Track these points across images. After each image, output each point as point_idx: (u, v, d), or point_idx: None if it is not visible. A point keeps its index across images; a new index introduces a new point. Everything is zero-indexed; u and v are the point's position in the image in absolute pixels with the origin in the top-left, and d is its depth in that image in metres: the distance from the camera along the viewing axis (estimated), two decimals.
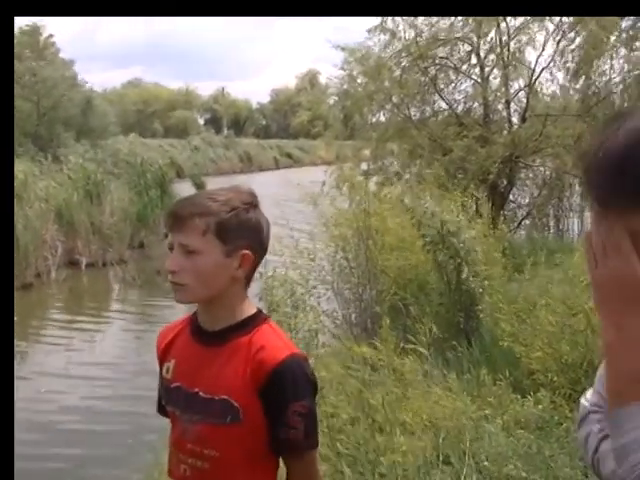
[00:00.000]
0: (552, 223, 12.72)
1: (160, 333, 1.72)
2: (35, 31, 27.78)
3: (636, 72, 10.42)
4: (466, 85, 12.20)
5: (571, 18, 10.64)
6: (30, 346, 9.59)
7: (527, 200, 12.69)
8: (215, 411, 1.51)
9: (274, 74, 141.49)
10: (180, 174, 29.93)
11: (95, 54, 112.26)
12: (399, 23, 11.53)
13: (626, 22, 10.70)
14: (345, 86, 12.86)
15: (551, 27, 11.23)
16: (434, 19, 11.39)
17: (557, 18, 10.89)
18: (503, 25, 11.28)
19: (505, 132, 11.59)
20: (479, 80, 11.84)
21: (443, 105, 12.33)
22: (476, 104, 12.25)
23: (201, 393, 1.53)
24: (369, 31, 11.73)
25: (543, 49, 11.30)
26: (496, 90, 11.95)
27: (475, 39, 11.66)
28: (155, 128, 56.46)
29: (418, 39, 11.36)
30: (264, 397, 1.48)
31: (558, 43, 11.18)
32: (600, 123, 10.14)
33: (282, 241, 6.09)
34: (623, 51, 10.90)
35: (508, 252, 7.41)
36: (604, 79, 11.18)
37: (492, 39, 11.65)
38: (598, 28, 10.10)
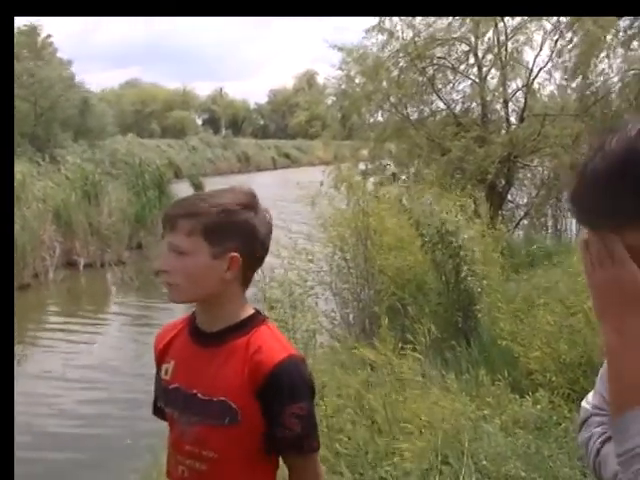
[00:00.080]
0: (550, 223, 12.72)
1: (158, 334, 1.72)
2: (33, 31, 27.78)
3: (634, 71, 10.42)
4: (464, 85, 12.22)
5: (568, 18, 10.64)
6: (27, 348, 9.57)
7: (525, 200, 12.69)
8: (213, 412, 1.50)
9: (272, 74, 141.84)
10: (178, 174, 29.91)
11: (93, 54, 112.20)
12: (397, 23, 11.53)
13: (624, 22, 10.70)
14: (343, 86, 12.86)
15: (548, 27, 11.26)
16: (432, 19, 11.40)
17: (554, 18, 10.90)
18: (501, 25, 11.28)
19: (503, 132, 11.60)
20: (477, 80, 11.85)
21: (441, 105, 12.34)
22: (474, 104, 12.26)
23: (199, 394, 1.52)
24: (367, 31, 11.74)
25: (541, 49, 11.32)
26: (494, 90, 11.95)
27: (473, 39, 11.66)
28: (153, 128, 56.41)
29: (416, 39, 11.36)
30: (261, 398, 1.48)
31: (556, 43, 11.19)
32: (597, 124, 10.18)
33: (280, 242, 6.08)
34: (621, 50, 10.90)
35: (506, 252, 7.41)
36: (602, 79, 11.19)
37: (490, 39, 11.67)
38: (595, 27, 10.10)
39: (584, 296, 4.62)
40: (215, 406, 1.50)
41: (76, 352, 9.36)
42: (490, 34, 11.57)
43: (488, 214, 7.96)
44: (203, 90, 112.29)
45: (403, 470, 3.35)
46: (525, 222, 12.45)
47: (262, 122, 76.00)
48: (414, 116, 12.14)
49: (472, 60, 11.86)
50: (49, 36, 29.58)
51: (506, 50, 11.46)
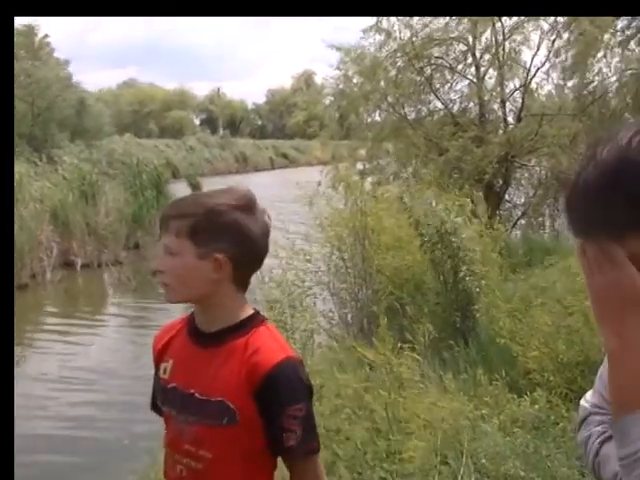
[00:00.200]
0: (548, 223, 12.73)
1: (157, 333, 1.72)
2: (30, 31, 27.74)
3: (631, 71, 10.43)
4: (462, 85, 12.23)
5: (565, 18, 10.65)
6: (24, 349, 9.54)
7: (523, 200, 12.71)
8: (211, 412, 1.50)
9: (270, 74, 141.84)
10: (176, 174, 29.89)
11: (90, 54, 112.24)
12: (394, 23, 11.54)
13: (621, 22, 10.71)
14: (341, 86, 12.86)
15: (546, 27, 11.27)
16: (429, 19, 11.41)
17: (552, 18, 10.91)
18: (498, 25, 11.29)
19: (501, 132, 11.61)
20: (474, 80, 11.86)
21: (439, 105, 12.34)
22: (471, 104, 12.27)
23: (197, 394, 1.52)
24: (364, 31, 11.75)
25: (538, 49, 11.33)
26: (491, 90, 11.96)
27: (470, 39, 11.67)
28: (150, 128, 56.39)
29: (413, 39, 11.37)
30: (259, 400, 1.48)
31: (553, 43, 11.20)
32: (594, 124, 10.19)
33: (278, 242, 6.07)
34: (618, 50, 10.91)
35: (504, 252, 7.41)
36: (599, 78, 11.20)
37: (487, 39, 11.68)
38: (592, 27, 10.11)
39: (582, 296, 4.62)
40: (213, 406, 1.49)
41: (73, 353, 9.34)
42: (488, 34, 11.59)
43: (486, 214, 7.97)
44: (201, 90, 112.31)
45: (402, 470, 3.35)
46: (523, 222, 12.46)
47: (260, 122, 76.04)
48: (412, 116, 12.15)
49: (470, 60, 11.87)
50: (46, 36, 29.56)
51: (504, 50, 11.47)
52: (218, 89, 74.01)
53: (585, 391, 1.15)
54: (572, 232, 0.91)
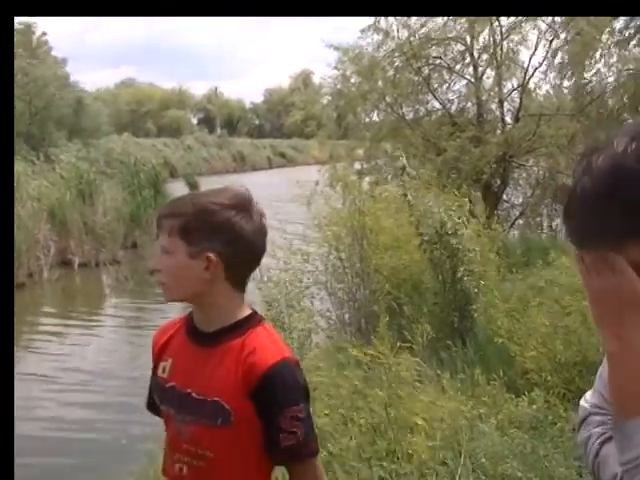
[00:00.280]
0: (545, 223, 12.74)
1: (156, 332, 1.72)
2: (28, 30, 27.70)
3: (629, 71, 10.44)
4: (460, 85, 12.23)
5: (563, 17, 10.66)
6: (21, 350, 9.52)
7: (520, 200, 12.72)
8: (207, 412, 1.50)
9: (267, 74, 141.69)
10: (173, 174, 29.88)
11: (89, 54, 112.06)
12: (392, 23, 11.54)
13: (619, 23, 10.73)
14: (339, 86, 12.86)
15: (543, 27, 11.27)
16: (427, 18, 11.40)
17: (549, 17, 10.92)
18: (496, 25, 11.29)
19: (498, 132, 11.61)
20: (472, 80, 11.86)
21: (437, 105, 12.34)
22: (469, 104, 12.27)
23: (194, 394, 1.52)
24: (362, 31, 11.74)
25: (536, 49, 11.33)
26: (489, 90, 11.96)
27: (468, 39, 11.67)
28: (148, 128, 56.35)
29: (411, 39, 11.37)
30: (255, 401, 1.47)
31: (551, 42, 11.20)
32: (592, 124, 10.18)
33: (276, 242, 6.06)
34: (616, 50, 10.92)
35: (502, 252, 7.42)
36: (597, 78, 11.20)
37: (485, 39, 11.68)
38: (589, 27, 10.11)
39: (580, 296, 4.62)
40: (208, 406, 1.49)
41: (70, 354, 9.32)
42: (485, 34, 11.59)
43: (484, 214, 7.97)
44: (198, 89, 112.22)
45: (400, 470, 3.34)
46: (520, 222, 12.47)
47: (258, 121, 76.01)
48: (409, 116, 12.15)
49: (467, 60, 11.87)
50: (44, 34, 29.55)
51: (501, 50, 11.48)
52: (216, 88, 74.09)
53: (583, 391, 1.15)
54: (571, 241, 0.91)
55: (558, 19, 10.87)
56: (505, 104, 11.82)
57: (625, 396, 0.88)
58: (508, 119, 11.85)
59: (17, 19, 26.28)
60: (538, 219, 12.76)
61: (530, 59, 11.43)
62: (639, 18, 10.24)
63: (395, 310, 5.97)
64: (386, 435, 3.65)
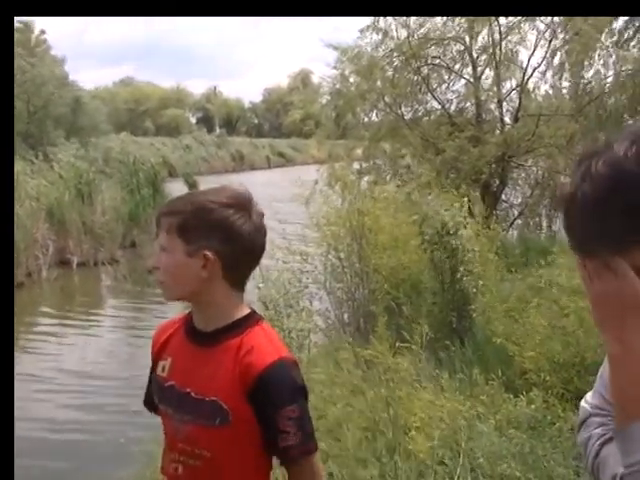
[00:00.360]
0: (544, 223, 12.75)
1: (156, 331, 1.72)
2: (26, 28, 27.65)
3: (628, 71, 10.43)
4: (459, 85, 12.22)
5: (561, 17, 10.65)
6: (19, 349, 9.50)
7: (519, 200, 12.71)
8: (205, 412, 1.50)
9: (266, 73, 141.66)
10: (172, 173, 29.85)
11: (87, 52, 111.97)
12: (391, 23, 11.53)
13: (618, 23, 10.73)
14: (337, 85, 12.83)
15: (542, 27, 11.27)
16: (426, 18, 11.39)
17: (548, 18, 10.92)
18: (495, 25, 11.29)
19: (497, 132, 11.60)
20: (471, 80, 11.85)
21: (436, 105, 12.33)
22: (468, 104, 12.26)
23: (192, 393, 1.52)
24: (361, 30, 11.73)
25: (535, 49, 11.33)
26: (488, 90, 11.96)
27: (467, 39, 11.67)
28: (147, 127, 56.31)
29: (410, 39, 11.36)
30: (252, 401, 1.47)
31: (549, 42, 11.21)
32: (591, 124, 10.18)
33: (274, 241, 6.07)
34: (615, 50, 10.91)
35: (500, 252, 7.42)
36: (596, 79, 11.20)
37: (484, 39, 11.68)
38: (588, 27, 10.11)
39: (578, 296, 4.63)
40: (207, 406, 1.49)
41: (68, 354, 9.31)
42: (485, 34, 11.59)
43: (482, 214, 7.96)
44: (197, 88, 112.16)
45: (399, 469, 3.34)
46: (519, 222, 12.47)
47: (256, 121, 75.98)
48: (408, 116, 12.13)
49: (467, 60, 11.86)
50: (43, 32, 29.51)
51: (500, 50, 11.47)
52: (215, 88, 74.11)
53: (582, 391, 1.16)
54: (572, 247, 0.90)
55: (557, 19, 10.87)
56: (504, 104, 11.82)
57: (627, 399, 0.88)
58: (507, 119, 11.84)
59: (16, 17, 26.27)
60: (537, 219, 12.76)
61: (529, 59, 11.44)
62: (638, 18, 10.24)
63: (394, 310, 5.97)
64: (384, 434, 3.65)
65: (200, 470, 1.52)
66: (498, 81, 11.63)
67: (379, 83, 11.86)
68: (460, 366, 4.83)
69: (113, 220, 15.92)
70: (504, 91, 11.80)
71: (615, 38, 10.92)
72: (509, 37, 11.57)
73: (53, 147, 21.77)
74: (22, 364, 8.85)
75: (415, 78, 11.85)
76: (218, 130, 59.09)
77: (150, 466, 3.84)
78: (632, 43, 10.86)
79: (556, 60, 11.33)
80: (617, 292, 0.86)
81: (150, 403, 1.69)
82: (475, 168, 10.52)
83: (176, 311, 1.98)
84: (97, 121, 27.93)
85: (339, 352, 4.89)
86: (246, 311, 1.58)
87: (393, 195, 7.43)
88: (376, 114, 12.75)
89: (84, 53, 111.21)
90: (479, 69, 11.83)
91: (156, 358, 1.66)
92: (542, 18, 10.99)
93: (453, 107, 12.29)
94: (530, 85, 11.79)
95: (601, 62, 11.09)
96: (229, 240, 1.50)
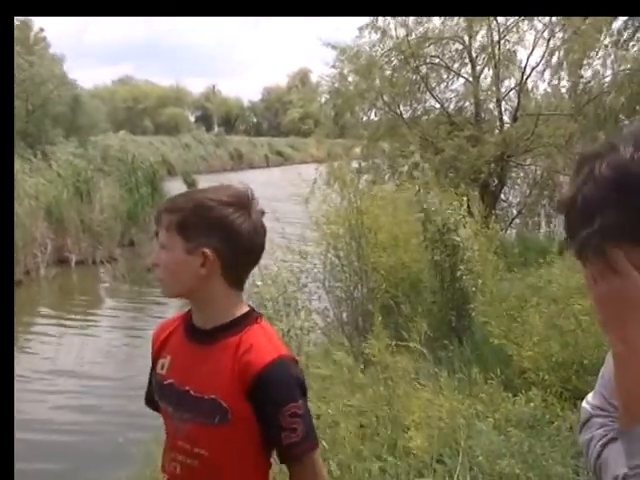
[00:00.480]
0: (543, 222, 12.76)
1: (156, 329, 1.72)
2: (26, 26, 27.60)
3: (627, 71, 10.44)
4: (457, 84, 12.23)
5: (560, 17, 10.66)
6: (18, 348, 9.48)
7: (518, 199, 12.72)
8: (204, 410, 1.50)
9: (265, 72, 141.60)
10: (171, 171, 29.84)
11: (86, 52, 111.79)
12: (390, 22, 11.53)
13: (617, 23, 10.73)
14: (336, 84, 12.84)
15: (540, 26, 11.27)
16: (425, 17, 11.40)
17: (546, 17, 10.92)
18: (494, 24, 11.29)
19: (496, 131, 11.61)
20: (470, 79, 11.86)
21: (435, 104, 12.34)
22: (467, 103, 12.27)
23: (192, 392, 1.53)
24: (360, 29, 11.73)
25: (533, 48, 11.34)
26: (487, 89, 11.97)
27: (466, 38, 11.67)
28: (145, 125, 56.23)
29: (409, 38, 11.36)
30: (252, 399, 1.47)
31: (548, 42, 11.21)
32: (590, 124, 10.18)
33: (274, 240, 6.06)
34: (613, 50, 10.92)
35: (499, 251, 7.41)
36: (595, 78, 11.20)
37: (483, 38, 11.68)
38: (587, 26, 10.12)
39: (577, 296, 4.63)
40: (206, 404, 1.49)
41: (66, 354, 9.29)
42: (483, 33, 11.60)
43: (481, 213, 7.96)
44: (196, 87, 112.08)
45: (398, 468, 3.35)
46: (518, 221, 12.48)
47: (255, 120, 75.92)
48: (407, 115, 12.14)
49: (465, 59, 11.87)
50: (41, 30, 29.44)
51: (499, 49, 11.47)
52: (214, 86, 73.95)
53: (580, 390, 1.16)
54: (575, 250, 0.89)
55: (555, 18, 10.87)
56: (503, 104, 11.83)
57: (632, 399, 0.88)
58: (506, 118, 11.87)
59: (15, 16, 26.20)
60: (536, 218, 12.77)
61: (528, 58, 11.46)
62: (637, 18, 10.24)
63: (392, 309, 5.97)
64: (384, 433, 3.66)
65: (197, 470, 1.52)
66: (497, 80, 11.64)
67: (378, 82, 11.87)
68: (459, 365, 4.83)
69: (111, 218, 15.91)
70: (503, 90, 11.82)
71: (614, 38, 10.91)
72: (508, 36, 11.57)
73: (52, 146, 21.73)
74: (20, 364, 8.85)
75: (414, 77, 11.85)
76: (217, 129, 59.08)
77: (149, 466, 3.83)
78: (631, 43, 10.85)
79: (554, 59, 11.35)
80: (621, 292, 0.86)
81: (151, 401, 1.70)
82: (474, 167, 10.53)
83: (174, 311, 1.98)
84: (96, 120, 27.89)
85: (337, 351, 4.89)
86: (245, 309, 1.58)
87: (392, 194, 7.43)
88: (375, 113, 12.78)
89: (83, 52, 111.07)
90: (478, 68, 11.84)
91: (156, 356, 1.66)
92: (540, 17, 11.00)
93: (452, 106, 12.32)
94: (529, 84, 11.81)
95: (600, 61, 11.11)
96: (228, 238, 1.50)
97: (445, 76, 12.19)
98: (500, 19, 11.18)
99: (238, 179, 2.04)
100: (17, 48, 25.42)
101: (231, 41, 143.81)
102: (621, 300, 0.86)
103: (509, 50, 11.77)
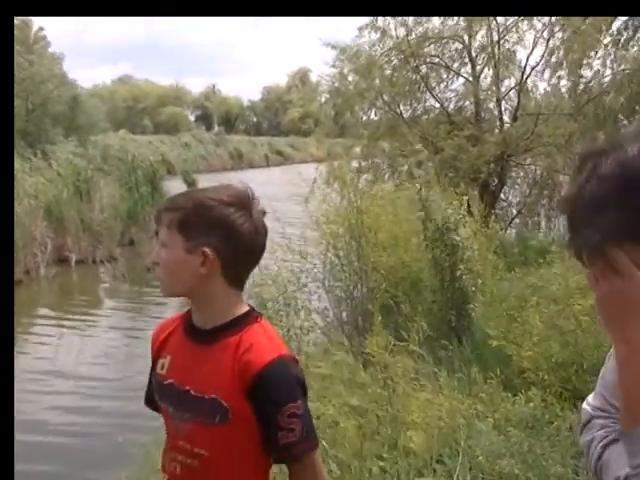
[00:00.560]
0: (543, 222, 12.76)
1: (155, 329, 1.72)
2: (25, 25, 27.59)
3: (627, 71, 10.44)
4: (457, 84, 12.23)
5: (560, 17, 10.65)
6: (17, 346, 9.47)
7: (518, 199, 12.72)
8: (205, 410, 1.50)
9: (265, 71, 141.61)
10: (171, 171, 29.82)
11: (85, 51, 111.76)
12: (390, 21, 11.53)
13: (617, 22, 10.72)
14: (336, 84, 12.84)
15: (539, 26, 11.27)
16: (425, 17, 11.40)
17: (546, 17, 10.91)
18: (494, 24, 11.29)
19: (496, 131, 11.61)
20: (470, 78, 11.86)
21: (434, 103, 12.33)
22: (467, 103, 12.27)
23: (192, 391, 1.52)
24: (360, 29, 11.74)
25: (533, 48, 11.34)
26: (487, 89, 11.96)
27: (466, 37, 11.67)
28: (145, 124, 56.21)
29: (409, 37, 11.36)
30: (252, 399, 1.47)
31: (548, 41, 11.21)
32: (590, 123, 10.18)
33: (274, 240, 6.05)
34: (613, 50, 10.92)
35: (499, 251, 7.42)
36: (596, 78, 11.20)
37: (483, 37, 11.68)
38: (587, 26, 10.11)
39: (576, 295, 4.63)
40: (207, 404, 1.49)
41: (65, 353, 9.27)
42: (483, 32, 11.59)
43: (481, 213, 7.96)
44: (196, 87, 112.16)
45: (397, 468, 3.35)
46: (518, 221, 12.48)
47: (255, 119, 75.91)
48: (407, 114, 12.14)
49: (465, 58, 11.86)
50: (41, 29, 29.45)
51: (499, 49, 11.47)
52: (213, 86, 73.98)
53: (580, 390, 1.16)
54: (577, 248, 0.89)
55: (554, 18, 10.87)
56: (503, 103, 11.83)
57: (633, 400, 0.88)
58: (506, 118, 11.87)
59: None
60: (535, 218, 12.77)
61: (527, 58, 11.46)
62: (637, 18, 10.24)
63: (392, 308, 5.97)
64: (383, 433, 3.65)
65: (197, 470, 1.52)
66: (497, 80, 11.64)
67: (378, 82, 11.87)
68: (459, 365, 4.83)
69: (111, 218, 15.91)
70: (503, 90, 11.82)
71: (614, 38, 10.91)
72: (507, 36, 11.57)
73: (51, 145, 21.72)
74: (19, 365, 8.84)
75: (414, 77, 11.85)
76: (217, 128, 59.08)
77: (148, 467, 3.83)
78: (631, 43, 10.85)
79: (554, 59, 11.34)
80: (622, 292, 0.86)
81: (151, 402, 1.70)
82: (474, 167, 10.53)
83: (173, 311, 1.99)
84: (95, 119, 27.87)
85: (337, 350, 4.89)
86: (245, 309, 1.58)
87: (392, 193, 7.43)
88: (375, 113, 12.79)
89: (83, 52, 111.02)
90: (478, 68, 11.84)
91: (156, 356, 1.66)
92: (540, 17, 10.99)
93: (452, 106, 12.32)
94: (529, 84, 11.81)
95: (600, 61, 11.10)
96: (229, 238, 1.50)
97: (445, 76, 12.20)
98: (500, 19, 11.19)
99: (238, 178, 2.04)
100: (17, 47, 25.41)
101: (231, 41, 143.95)
102: (623, 301, 0.86)
103: (509, 50, 11.77)
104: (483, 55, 11.82)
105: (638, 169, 0.83)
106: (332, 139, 14.02)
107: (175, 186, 17.11)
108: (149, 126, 56.40)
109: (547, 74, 11.62)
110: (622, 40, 10.85)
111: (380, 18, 11.42)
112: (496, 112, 11.98)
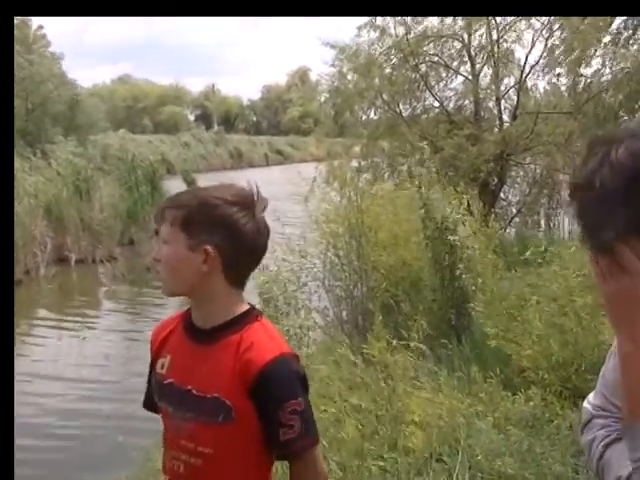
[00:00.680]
0: (543, 221, 12.75)
1: (155, 329, 1.72)
2: (25, 25, 27.58)
3: (627, 69, 10.43)
4: (457, 83, 12.22)
5: (559, 17, 10.65)
6: (17, 347, 9.45)
7: (518, 198, 12.71)
8: (208, 409, 1.50)
9: (265, 71, 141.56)
10: (170, 170, 29.81)
11: (85, 51, 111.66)
12: (389, 20, 11.52)
13: (617, 21, 10.72)
14: (336, 83, 12.83)
15: (538, 25, 11.26)
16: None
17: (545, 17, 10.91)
18: (493, 23, 11.28)
19: (496, 130, 11.60)
20: (470, 77, 11.85)
21: (434, 102, 12.32)
22: (467, 102, 12.26)
23: (194, 391, 1.53)
24: (359, 28, 11.73)
25: (532, 47, 11.33)
26: (487, 88, 11.96)
27: (465, 36, 11.67)
28: (145, 124, 56.20)
29: (408, 36, 11.35)
30: (254, 397, 1.48)
31: (547, 40, 11.20)
32: (590, 122, 10.18)
33: (274, 239, 6.05)
34: (613, 49, 10.91)
35: (499, 250, 7.41)
36: (595, 77, 11.19)
37: (482, 36, 11.67)
38: (586, 25, 10.11)
39: (576, 294, 4.63)
40: (209, 403, 1.50)
41: (65, 354, 9.27)
42: (483, 31, 11.58)
43: (481, 212, 7.96)
44: (196, 86, 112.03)
45: (397, 467, 3.35)
46: (517, 220, 12.47)
47: (255, 118, 75.87)
48: (406, 113, 12.13)
49: (465, 57, 11.86)
50: (40, 28, 29.43)
51: (499, 47, 11.46)
52: (213, 85, 73.96)
53: (580, 389, 1.16)
54: (585, 237, 0.88)
55: (553, 18, 10.86)
56: (502, 102, 11.81)
57: (635, 398, 0.88)
58: (505, 117, 11.85)
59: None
60: (535, 217, 12.77)
61: (526, 57, 11.45)
62: (637, 17, 10.24)
63: (392, 307, 5.97)
64: (383, 432, 3.66)
65: (201, 469, 1.52)
66: (496, 79, 11.62)
67: (377, 81, 11.85)
68: (459, 364, 4.83)
69: (111, 217, 15.91)
70: (502, 89, 11.80)
71: (614, 36, 10.90)
72: (506, 35, 11.56)
73: (51, 144, 21.71)
74: (18, 366, 8.84)
75: (413, 76, 11.84)
76: (216, 127, 59.01)
77: (147, 468, 3.83)
78: (630, 41, 10.84)
79: (553, 58, 11.32)
80: (630, 290, 0.85)
81: (150, 404, 1.69)
82: (473, 166, 10.52)
83: (173, 312, 1.98)
84: (95, 118, 27.87)
85: (337, 349, 4.89)
86: (245, 307, 1.58)
87: (392, 192, 7.42)
88: (374, 112, 12.76)
89: (83, 52, 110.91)
90: (477, 67, 11.82)
91: (155, 356, 1.66)
92: (539, 17, 10.98)
93: (451, 105, 12.30)
94: (528, 83, 11.80)
95: (599, 60, 11.10)
96: (231, 237, 1.51)
97: (444, 74, 12.18)
98: (499, 17, 11.17)
99: (238, 178, 2.04)
100: (17, 47, 25.38)
101: (231, 41, 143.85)
102: (630, 299, 0.86)
103: (508, 48, 11.77)
104: (482, 54, 11.81)
105: None
106: (332, 138, 14.01)
107: (175, 185, 17.09)
108: (149, 126, 56.38)
109: (547, 73, 11.62)
110: (622, 38, 10.84)
111: (379, 17, 11.43)
112: (496, 111, 11.97)
